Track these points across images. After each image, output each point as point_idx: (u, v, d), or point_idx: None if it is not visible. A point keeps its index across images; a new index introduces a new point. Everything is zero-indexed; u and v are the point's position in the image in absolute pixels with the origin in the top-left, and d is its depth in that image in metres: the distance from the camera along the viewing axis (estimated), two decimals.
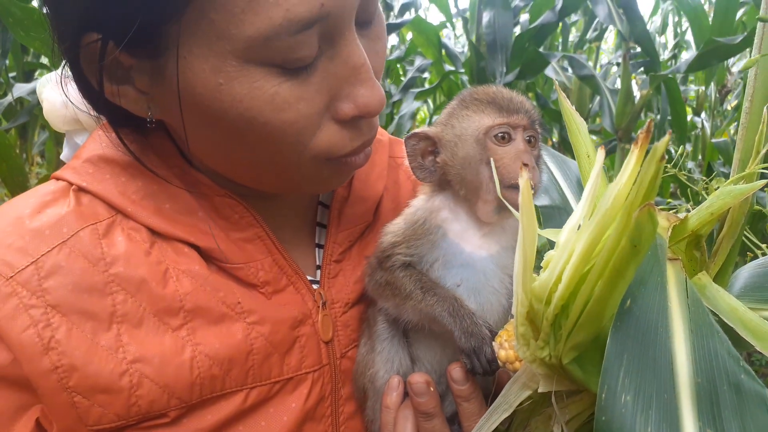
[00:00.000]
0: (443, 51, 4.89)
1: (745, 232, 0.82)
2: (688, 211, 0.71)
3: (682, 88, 5.18)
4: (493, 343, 0.82)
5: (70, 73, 0.80)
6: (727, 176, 0.75)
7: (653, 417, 0.54)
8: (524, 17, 4.74)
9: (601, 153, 0.63)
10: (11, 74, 3.79)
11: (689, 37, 5.32)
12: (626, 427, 0.54)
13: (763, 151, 0.70)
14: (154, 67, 0.75)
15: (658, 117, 4.42)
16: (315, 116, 0.77)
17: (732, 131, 4.96)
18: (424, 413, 0.89)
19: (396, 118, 5.09)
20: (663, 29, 6.38)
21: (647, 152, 0.57)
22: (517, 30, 4.47)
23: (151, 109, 0.80)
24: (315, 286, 0.97)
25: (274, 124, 0.75)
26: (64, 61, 0.80)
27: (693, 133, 5.10)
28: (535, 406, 0.81)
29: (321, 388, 0.94)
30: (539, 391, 0.72)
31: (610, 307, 0.61)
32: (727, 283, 0.81)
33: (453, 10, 5.33)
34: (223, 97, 0.73)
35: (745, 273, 0.82)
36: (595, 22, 5.17)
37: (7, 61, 3.60)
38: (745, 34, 3.10)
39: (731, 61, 4.95)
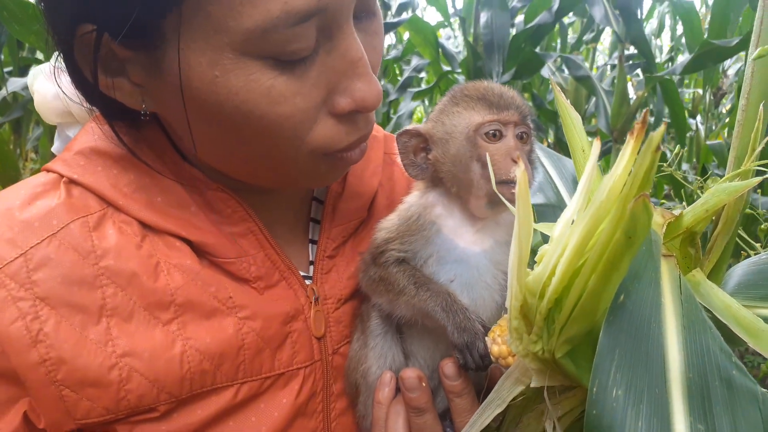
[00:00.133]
0: (440, 51, 4.89)
1: (738, 233, 0.82)
2: (683, 208, 0.71)
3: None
4: (486, 338, 0.81)
5: (62, 64, 0.80)
6: (721, 178, 0.74)
7: (644, 411, 0.54)
8: (521, 18, 4.74)
9: (596, 145, 0.63)
10: (7, 69, 3.77)
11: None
12: (617, 421, 0.54)
13: (759, 148, 0.70)
14: (149, 60, 0.75)
15: (653, 120, 4.43)
16: (311, 110, 0.77)
17: (726, 134, 4.98)
18: (415, 408, 0.88)
19: (394, 117, 5.09)
20: (659, 32, 6.40)
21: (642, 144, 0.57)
22: (514, 31, 4.47)
23: (146, 102, 0.80)
24: (308, 282, 0.96)
25: (270, 117, 0.74)
26: (57, 53, 0.79)
27: (688, 135, 5.11)
28: (527, 402, 0.81)
29: (313, 383, 0.93)
30: (532, 386, 0.71)
31: (603, 301, 0.60)
32: (721, 281, 0.81)
33: (450, 10, 5.33)
34: (219, 90, 0.72)
35: (739, 271, 0.82)
36: (593, 24, 5.19)
37: (2, 56, 3.59)
38: (741, 37, 3.11)
39: (727, 64, 4.97)
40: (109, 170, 0.86)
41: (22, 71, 3.75)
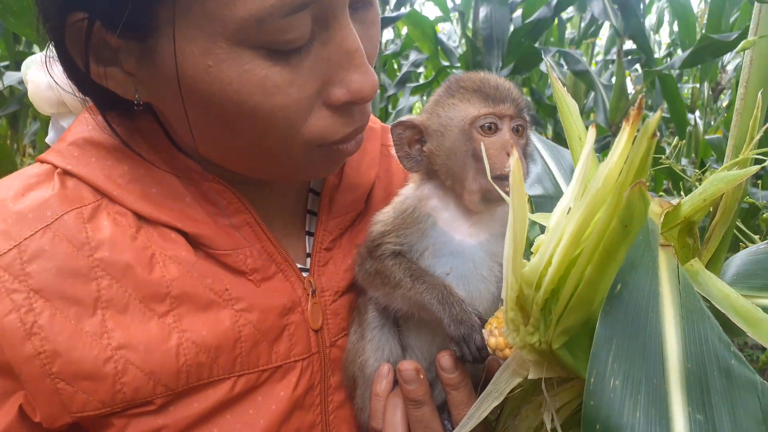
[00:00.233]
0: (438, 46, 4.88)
1: (737, 225, 0.81)
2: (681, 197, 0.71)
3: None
4: (483, 330, 0.81)
5: (54, 53, 0.79)
6: None
7: (642, 402, 0.53)
8: (518, 13, 4.73)
9: (591, 132, 0.62)
10: (3, 63, 3.76)
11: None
12: (614, 411, 0.53)
13: (757, 137, 0.69)
14: (142, 49, 0.74)
15: (650, 114, 4.42)
16: (306, 101, 0.76)
17: (725, 128, 4.98)
18: (413, 401, 0.88)
19: (393, 113, 5.09)
20: (658, 27, 6.39)
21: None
22: (512, 25, 4.46)
23: (139, 91, 0.79)
24: (305, 274, 0.96)
25: (264, 108, 0.74)
26: (49, 42, 0.78)
27: (687, 130, 5.11)
28: (525, 393, 0.81)
29: (310, 376, 0.93)
30: (529, 377, 0.71)
31: (600, 291, 0.60)
32: (719, 271, 0.80)
33: (450, 5, 5.31)
34: (212, 80, 0.72)
35: (737, 260, 0.81)
36: (593, 21, 5.18)
37: None
38: (740, 31, 3.11)
39: (726, 59, 4.96)
40: (104, 161, 0.85)
41: (19, 65, 3.73)
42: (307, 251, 1.01)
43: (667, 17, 6.27)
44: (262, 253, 0.91)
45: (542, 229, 0.76)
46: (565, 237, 0.61)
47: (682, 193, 0.77)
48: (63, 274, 0.78)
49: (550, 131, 5.15)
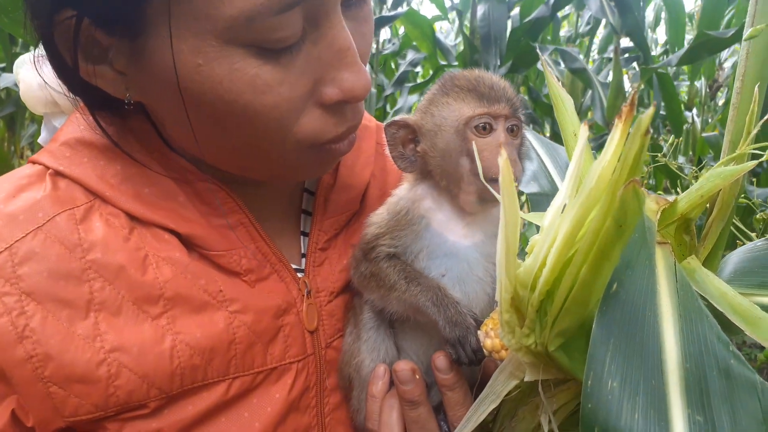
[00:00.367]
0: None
1: (734, 223, 0.80)
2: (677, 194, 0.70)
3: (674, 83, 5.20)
4: (479, 332, 0.80)
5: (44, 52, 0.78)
6: None
7: (640, 403, 0.53)
8: (516, 11, 4.73)
9: (584, 129, 0.61)
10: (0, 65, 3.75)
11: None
12: (613, 413, 0.52)
13: (754, 131, 0.68)
14: (132, 47, 0.73)
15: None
16: (298, 100, 0.75)
17: (722, 125, 4.97)
18: (409, 401, 0.87)
19: (390, 112, 5.08)
20: (655, 24, 6.38)
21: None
22: (510, 24, 4.46)
23: (129, 90, 0.78)
24: (300, 275, 0.95)
25: (255, 107, 0.73)
26: (38, 40, 0.78)
27: (684, 127, 5.10)
28: (522, 395, 0.80)
29: (306, 378, 0.92)
30: (525, 380, 0.70)
31: (596, 291, 0.59)
32: (716, 268, 0.80)
33: (447, 4, 5.31)
34: (202, 78, 0.71)
35: (735, 258, 0.80)
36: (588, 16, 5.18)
37: None
38: (737, 28, 3.10)
39: (723, 56, 4.96)
40: (96, 161, 0.84)
41: None
42: (302, 251, 1.00)
43: (664, 15, 6.26)
44: (257, 254, 0.90)
45: (539, 227, 0.75)
46: (559, 237, 0.60)
47: (678, 190, 0.77)
48: (55, 277, 0.77)
49: (547, 130, 5.15)
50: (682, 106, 5.02)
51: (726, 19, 4.30)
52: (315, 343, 0.94)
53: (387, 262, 0.89)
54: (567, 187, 0.64)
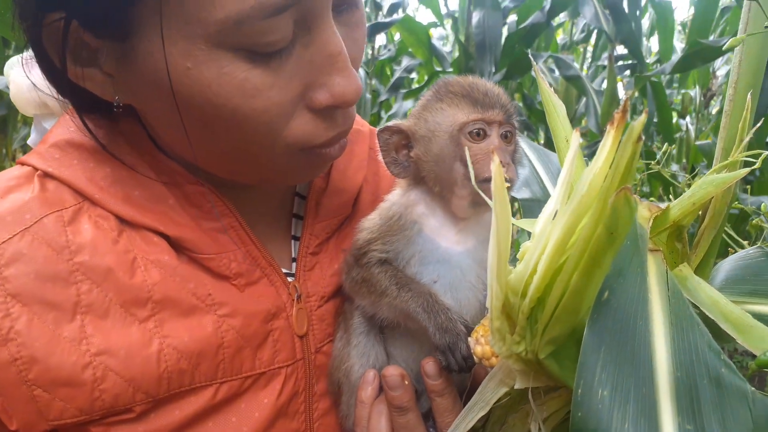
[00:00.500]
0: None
1: (726, 230, 0.80)
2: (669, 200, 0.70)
3: (668, 91, 5.23)
4: (469, 338, 0.80)
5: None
6: None
7: (631, 412, 0.52)
8: (512, 18, 4.75)
9: (576, 135, 0.61)
10: None
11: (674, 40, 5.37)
12: (603, 423, 0.52)
13: (747, 139, 0.68)
14: (121, 50, 0.72)
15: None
16: (288, 104, 0.75)
17: (716, 133, 5.00)
18: (398, 407, 0.87)
19: (384, 117, 5.08)
20: (650, 33, 6.41)
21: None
22: (506, 31, 4.48)
23: (118, 93, 0.78)
24: (290, 279, 0.95)
25: (244, 111, 0.72)
26: (26, 41, 0.77)
27: (678, 135, 5.13)
28: (512, 402, 0.79)
29: (295, 383, 0.91)
30: (516, 387, 0.70)
31: (587, 298, 0.59)
32: (708, 276, 0.79)
33: (443, 11, 5.32)
34: (191, 82, 0.70)
35: (726, 266, 0.80)
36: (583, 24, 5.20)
37: None
38: (730, 37, 3.12)
39: (717, 65, 4.99)
40: (85, 163, 0.84)
41: None
42: (293, 256, 0.99)
43: None
44: (247, 258, 0.89)
45: (530, 234, 0.74)
46: (551, 244, 0.59)
47: (671, 197, 0.76)
48: (41, 279, 0.76)
49: (542, 137, 5.16)
50: (674, 113, 5.05)
51: (721, 27, 4.33)
52: (304, 348, 0.93)
53: (378, 268, 0.89)
54: (558, 193, 0.64)
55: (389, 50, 5.74)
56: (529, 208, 1.06)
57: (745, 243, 0.89)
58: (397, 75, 5.16)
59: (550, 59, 4.44)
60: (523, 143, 1.18)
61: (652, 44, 6.56)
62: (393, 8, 5.09)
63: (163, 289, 0.82)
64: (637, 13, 3.85)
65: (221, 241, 0.87)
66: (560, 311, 0.60)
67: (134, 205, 0.83)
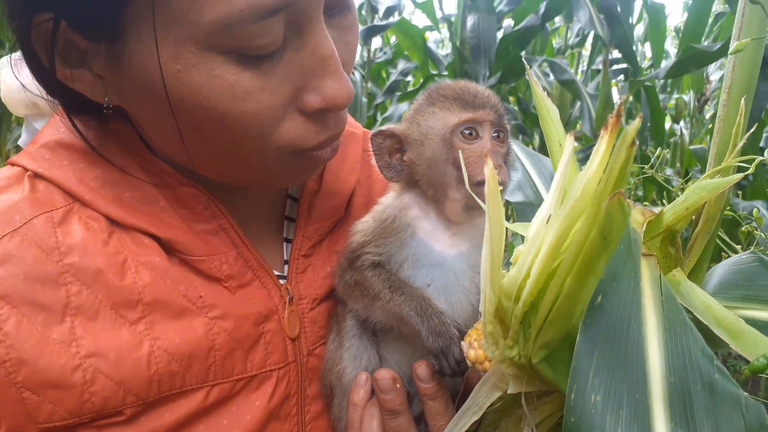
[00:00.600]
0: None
1: (719, 235, 0.80)
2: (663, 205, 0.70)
3: (661, 96, 5.25)
4: (462, 342, 0.79)
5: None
6: None
7: (624, 418, 0.52)
8: (507, 22, 4.75)
9: (569, 140, 0.61)
10: None
11: (668, 46, 5.39)
12: (595, 428, 0.52)
13: (740, 144, 0.68)
14: (110, 52, 0.72)
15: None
16: (279, 107, 0.75)
17: (709, 139, 5.02)
18: (389, 411, 0.86)
19: (380, 120, 5.08)
20: (645, 37, 6.43)
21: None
22: (501, 34, 4.49)
23: (108, 94, 0.77)
24: (282, 282, 0.94)
25: (234, 114, 0.72)
26: (15, 42, 0.76)
27: (672, 140, 5.15)
28: (505, 406, 0.79)
29: (286, 386, 0.91)
30: (509, 392, 0.70)
31: (580, 303, 0.59)
32: (701, 281, 0.79)
33: (439, 14, 5.33)
34: (181, 84, 0.70)
35: (719, 271, 0.80)
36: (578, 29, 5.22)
37: None
38: (724, 42, 3.13)
39: (711, 70, 5.01)
40: (76, 164, 0.83)
41: None
42: (285, 258, 0.99)
43: None
44: (238, 260, 0.89)
45: (524, 238, 0.74)
46: (544, 248, 0.59)
47: (665, 201, 0.76)
48: (31, 280, 0.75)
49: (536, 141, 5.17)
50: (668, 118, 5.06)
51: (715, 33, 4.35)
52: (296, 351, 0.93)
53: (372, 271, 0.88)
54: (552, 197, 0.63)
55: (385, 53, 5.74)
56: (522, 211, 1.06)
57: (738, 248, 0.89)
58: (392, 78, 5.16)
59: (545, 63, 4.45)
60: (516, 147, 1.18)
61: (647, 49, 6.60)
62: (389, 11, 5.09)
63: (154, 291, 0.81)
64: (630, 20, 3.86)
65: (212, 243, 0.87)
66: (553, 315, 0.60)
67: (125, 206, 0.83)
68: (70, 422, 0.75)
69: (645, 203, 0.74)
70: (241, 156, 0.79)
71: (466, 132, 0.85)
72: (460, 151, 0.82)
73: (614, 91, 4.70)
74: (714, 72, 5.01)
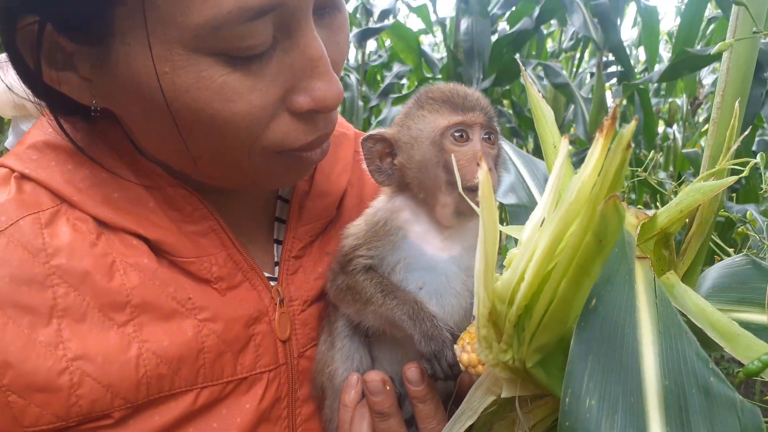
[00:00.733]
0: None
1: (712, 237, 0.80)
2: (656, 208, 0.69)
3: (655, 100, 5.27)
4: (455, 346, 0.79)
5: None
6: None
7: (619, 422, 0.51)
8: (502, 25, 4.77)
9: (564, 142, 0.60)
10: None
11: (661, 50, 5.41)
12: None
13: (734, 147, 0.68)
14: (97, 54, 0.71)
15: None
16: (269, 108, 0.74)
17: (702, 142, 5.04)
18: (379, 413, 0.86)
19: (373, 122, 5.08)
20: (639, 41, 6.46)
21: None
22: (496, 38, 4.50)
23: (95, 97, 0.76)
24: (273, 283, 0.93)
25: (224, 115, 0.71)
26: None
27: (665, 144, 5.17)
28: (499, 410, 0.78)
29: (277, 388, 0.90)
30: (503, 396, 0.69)
31: (575, 306, 0.58)
32: (695, 283, 0.79)
33: (433, 18, 5.34)
34: (168, 86, 0.69)
35: (713, 273, 0.80)
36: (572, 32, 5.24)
37: None
38: (717, 45, 3.15)
39: (703, 74, 5.04)
40: (64, 165, 0.82)
41: None
42: (275, 260, 0.98)
43: None
44: (228, 261, 0.88)
45: (518, 241, 0.74)
46: (538, 251, 0.59)
47: (658, 204, 0.76)
48: (17, 282, 0.74)
49: (531, 144, 5.18)
50: (661, 122, 5.08)
51: (707, 37, 4.37)
52: (287, 353, 0.92)
53: (364, 275, 0.88)
54: (546, 200, 0.63)
55: (380, 56, 5.74)
56: (516, 213, 1.06)
57: (731, 251, 0.89)
58: (387, 81, 5.16)
59: (539, 67, 4.47)
60: (509, 149, 1.18)
61: (640, 53, 6.63)
62: (384, 14, 5.09)
63: (142, 293, 0.80)
64: (618, 22, 3.87)
65: (202, 245, 0.86)
66: (548, 319, 0.60)
67: (113, 207, 0.82)
68: (57, 426, 0.74)
69: (639, 206, 0.73)
70: (231, 157, 0.78)
71: (457, 135, 0.85)
72: (452, 155, 0.81)
73: (607, 94, 4.71)
74: (707, 76, 5.04)
